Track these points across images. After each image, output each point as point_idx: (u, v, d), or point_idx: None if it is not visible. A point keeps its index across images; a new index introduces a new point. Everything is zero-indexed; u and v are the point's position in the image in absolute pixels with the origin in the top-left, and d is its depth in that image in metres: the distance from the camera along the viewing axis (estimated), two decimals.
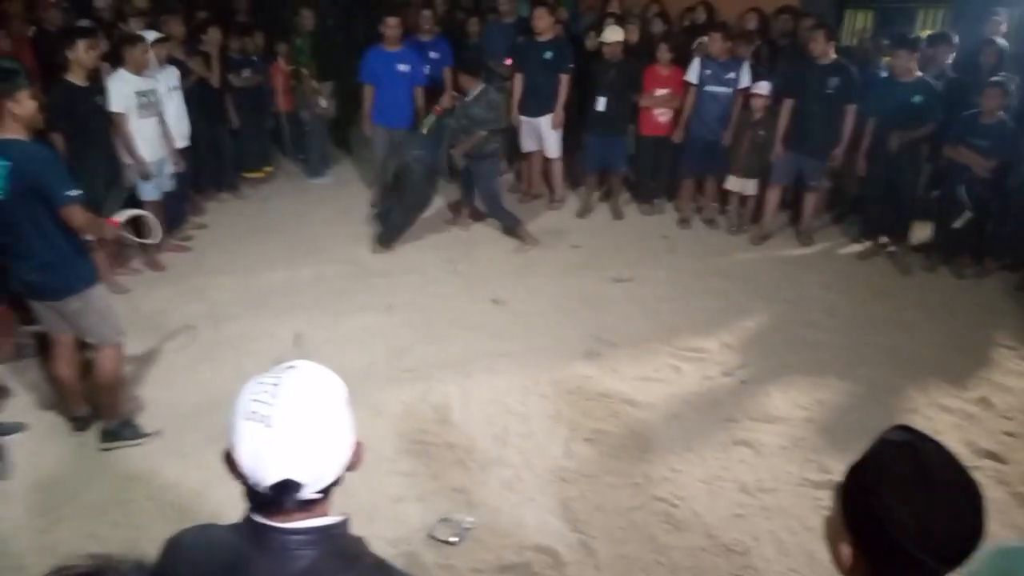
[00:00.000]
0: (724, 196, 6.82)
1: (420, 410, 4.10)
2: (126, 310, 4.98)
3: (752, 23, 6.94)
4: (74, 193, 3.25)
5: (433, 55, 7.24)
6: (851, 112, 5.87)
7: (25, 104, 3.20)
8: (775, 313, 5.24)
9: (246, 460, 1.23)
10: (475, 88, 6.00)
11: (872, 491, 1.18)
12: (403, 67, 6.71)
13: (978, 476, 1.19)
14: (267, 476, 1.21)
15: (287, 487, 1.21)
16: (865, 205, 6.25)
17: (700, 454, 3.77)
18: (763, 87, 6.16)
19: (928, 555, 1.13)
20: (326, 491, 1.28)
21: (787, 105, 6.06)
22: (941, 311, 5.24)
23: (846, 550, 1.24)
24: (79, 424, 3.87)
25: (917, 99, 5.55)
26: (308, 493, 1.23)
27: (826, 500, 3.45)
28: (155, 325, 4.92)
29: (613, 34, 6.44)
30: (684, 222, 6.80)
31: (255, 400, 1.24)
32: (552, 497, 3.49)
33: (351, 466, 1.33)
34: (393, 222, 6.23)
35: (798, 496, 3.49)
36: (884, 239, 6.14)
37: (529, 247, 6.25)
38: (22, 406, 4.08)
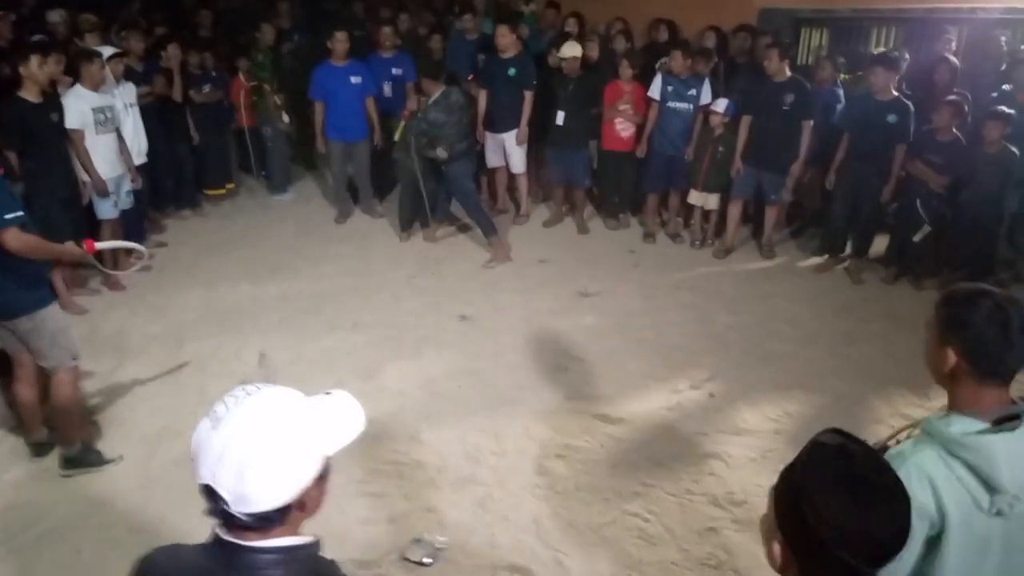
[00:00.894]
0: (687, 210, 6.91)
1: (390, 430, 4.05)
2: (85, 331, 4.87)
3: (710, 41, 7.07)
4: (10, 216, 3.13)
5: (396, 71, 7.25)
6: (807, 128, 6.00)
7: None
8: (741, 326, 5.31)
9: (192, 451, 1.24)
10: (435, 91, 6.02)
11: (801, 491, 1.21)
12: (355, 79, 6.74)
13: None
14: (199, 474, 1.22)
15: (209, 493, 1.21)
16: (827, 219, 6.38)
17: (671, 468, 3.79)
18: (721, 104, 6.28)
19: (851, 554, 1.16)
20: (269, 519, 1.22)
21: (745, 121, 6.18)
22: (903, 322, 5.36)
23: (777, 548, 1.27)
24: (39, 449, 3.75)
25: (891, 118, 5.63)
26: (233, 510, 1.20)
27: None
28: (115, 346, 4.81)
29: (570, 49, 6.54)
30: (649, 236, 6.86)
31: (223, 401, 1.24)
32: (525, 515, 3.47)
33: (301, 506, 1.27)
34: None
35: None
36: (845, 253, 6.27)
37: (498, 261, 6.24)
38: None
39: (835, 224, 6.25)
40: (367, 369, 4.63)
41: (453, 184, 6.35)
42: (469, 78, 7.10)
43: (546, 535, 3.34)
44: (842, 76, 6.60)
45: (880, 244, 6.27)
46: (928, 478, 1.51)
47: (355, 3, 9.77)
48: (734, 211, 6.51)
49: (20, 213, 3.18)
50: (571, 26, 7.56)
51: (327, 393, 1.31)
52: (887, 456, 1.54)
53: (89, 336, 4.83)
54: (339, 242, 6.67)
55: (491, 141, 6.90)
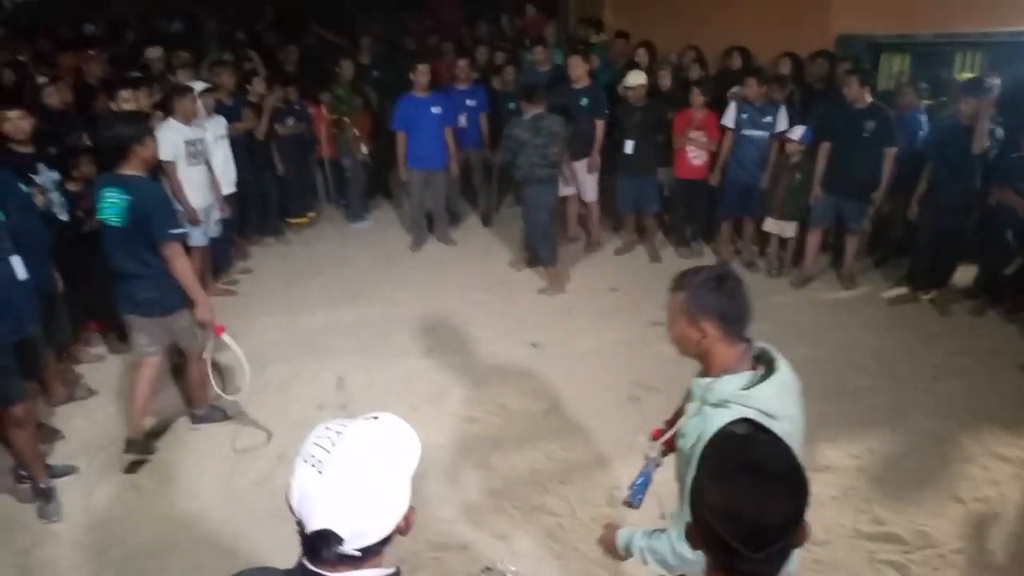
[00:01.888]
0: (763, 239, 6.80)
1: (461, 456, 4.09)
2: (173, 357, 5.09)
3: (786, 67, 6.98)
4: (176, 231, 3.76)
5: (470, 102, 7.42)
6: (889, 155, 5.84)
7: (149, 147, 3.80)
8: (820, 358, 5.15)
9: (294, 502, 1.25)
10: (529, 112, 6.01)
11: (701, 474, 1.28)
12: (436, 109, 6.91)
13: None
14: (310, 522, 1.23)
15: (326, 537, 1.22)
16: (912, 248, 6.16)
17: None
18: (798, 132, 6.17)
19: (732, 537, 1.18)
20: (374, 550, 1.27)
21: (824, 148, 6.06)
22: (992, 356, 5.12)
23: (692, 530, 1.31)
24: (133, 447, 3.97)
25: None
26: (348, 548, 1.23)
27: (881, 552, 3.37)
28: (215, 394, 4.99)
29: (635, 78, 6.58)
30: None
31: (316, 444, 1.26)
32: (596, 547, 3.42)
33: (400, 530, 1.32)
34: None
35: (852, 548, 3.40)
36: (928, 285, 6.04)
37: (552, 291, 6.28)
38: (73, 449, 4.16)
39: (919, 253, 6.02)
40: (439, 394, 4.70)
41: (526, 207, 6.39)
42: None
43: (618, 568, 3.29)
44: (925, 102, 6.40)
45: (969, 274, 6.01)
46: None
47: (431, 37, 10.08)
48: (813, 240, 6.36)
49: (184, 231, 3.83)
50: (640, 56, 7.59)
51: (375, 417, 1.34)
52: (682, 432, 1.95)
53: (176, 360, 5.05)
54: (414, 269, 6.81)
55: (565, 170, 6.95)
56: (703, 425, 1.81)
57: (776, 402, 1.83)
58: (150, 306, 3.89)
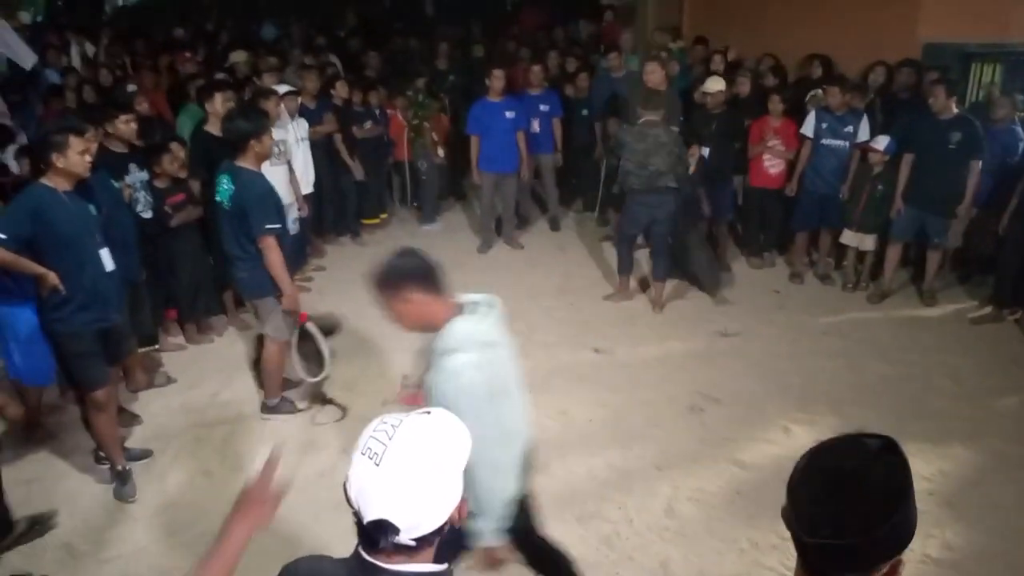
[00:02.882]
0: (840, 251, 6.59)
1: None
2: (246, 349, 5.29)
3: (880, 76, 6.75)
4: (271, 226, 4.01)
5: (543, 108, 7.46)
6: (975, 168, 5.59)
7: (265, 143, 4.09)
8: (895, 376, 4.98)
9: (352, 493, 1.29)
10: (640, 118, 5.78)
11: (793, 473, 1.31)
12: (510, 114, 6.99)
13: None
14: (367, 512, 1.27)
15: (383, 527, 1.26)
16: (998, 266, 5.88)
17: None
18: (881, 142, 5.97)
19: (795, 526, 1.24)
20: (427, 540, 1.31)
21: (907, 160, 5.85)
22: None
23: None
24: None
25: None
26: (404, 538, 1.27)
27: None
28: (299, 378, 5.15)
29: (715, 84, 6.48)
30: (796, 276, 6.59)
31: (373, 437, 1.30)
32: (652, 557, 3.41)
33: (453, 521, 1.35)
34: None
35: (919, 573, 3.27)
36: (1014, 305, 5.75)
37: (619, 298, 6.22)
38: (150, 434, 4.37)
39: (1006, 271, 5.74)
40: None
41: (620, 217, 6.25)
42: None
43: None
44: (1020, 114, 6.10)
45: None
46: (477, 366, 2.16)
47: (507, 42, 10.16)
48: (893, 254, 6.14)
49: (278, 225, 4.08)
50: (717, 63, 7.48)
51: (427, 412, 1.37)
52: (434, 383, 2.19)
53: (250, 353, 5.24)
54: (480, 271, 6.87)
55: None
56: (436, 376, 2.16)
57: (495, 331, 2.28)
58: (242, 287, 4.33)
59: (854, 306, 6.12)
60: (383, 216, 8.10)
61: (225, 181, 4.07)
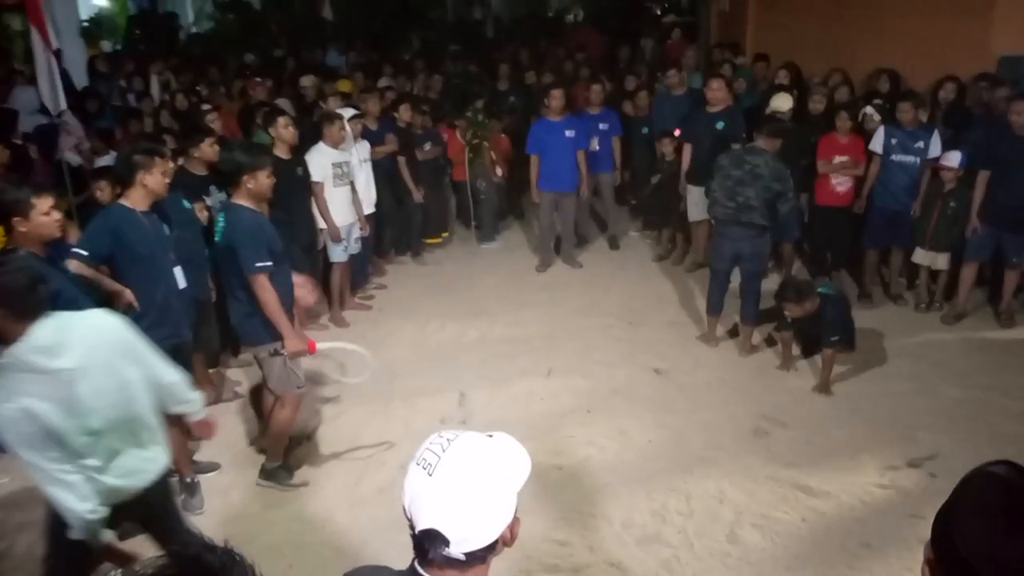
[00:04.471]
0: (912, 271, 6.37)
1: (579, 479, 4.07)
2: (311, 362, 5.39)
3: (951, 93, 6.54)
4: (261, 264, 3.62)
5: (602, 126, 7.46)
6: None
7: (261, 181, 3.75)
8: (972, 401, 4.76)
9: (406, 502, 1.32)
10: (757, 142, 5.40)
11: (952, 513, 1.23)
12: (569, 133, 6.99)
13: None
14: (419, 521, 1.29)
15: (432, 536, 1.27)
16: None
17: (881, 552, 3.46)
18: (954, 158, 5.77)
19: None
20: (478, 556, 1.31)
21: (983, 177, 5.62)
22: None
23: (927, 569, 1.28)
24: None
25: None
26: (454, 551, 1.28)
27: None
28: (336, 380, 5.25)
29: (783, 102, 6.35)
30: (866, 297, 6.38)
31: (429, 449, 1.33)
32: None
33: (505, 541, 1.35)
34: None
35: None
36: None
37: (706, 342, 5.68)
38: (217, 448, 4.47)
39: None
40: (559, 415, 4.70)
41: (747, 257, 5.44)
42: (675, 133, 7.12)
43: None
44: None
45: None
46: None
47: (563, 62, 10.22)
48: (968, 273, 5.90)
49: (269, 264, 3.66)
50: (782, 78, 7.36)
51: (490, 435, 1.38)
52: None
53: (313, 368, 5.34)
54: (539, 290, 6.87)
55: (695, 194, 6.82)
56: None
57: (54, 337, 2.38)
58: (240, 333, 3.99)
59: (927, 327, 5.88)
60: (444, 235, 8.19)
61: (221, 219, 3.87)
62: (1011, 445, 4.25)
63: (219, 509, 3.93)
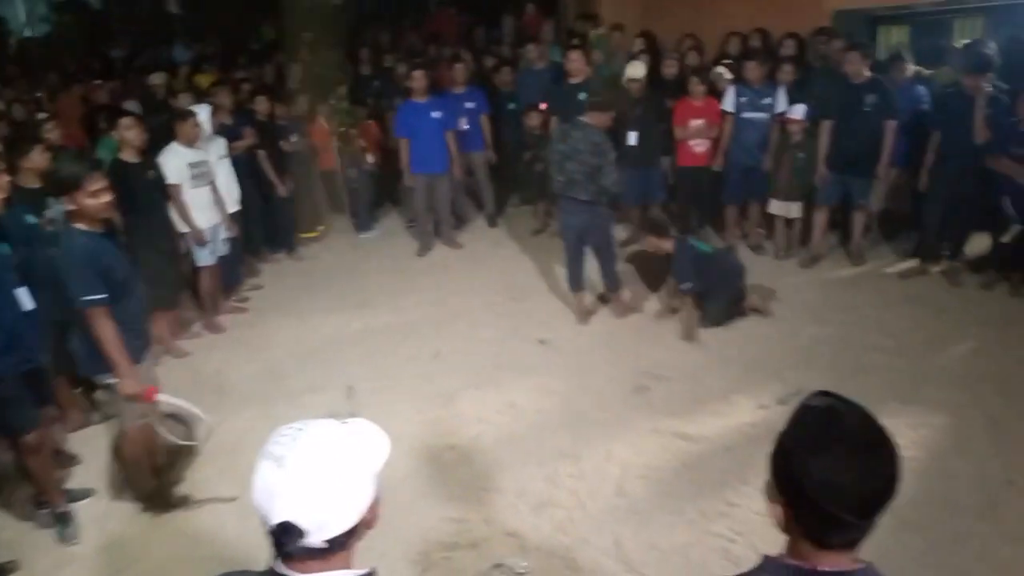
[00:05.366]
0: (769, 221, 6.75)
1: (470, 456, 4.11)
2: (186, 373, 5.18)
3: (790, 48, 6.91)
4: (90, 297, 3.23)
5: (469, 105, 7.45)
6: (890, 128, 5.77)
7: (98, 196, 3.25)
8: (830, 336, 5.12)
9: (256, 497, 1.27)
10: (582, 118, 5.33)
11: (790, 452, 1.29)
12: (436, 114, 6.95)
13: None
14: (272, 515, 1.25)
15: (287, 529, 1.24)
16: (920, 221, 6.08)
17: (757, 487, 3.67)
18: (799, 111, 6.13)
19: (841, 509, 1.22)
20: (339, 542, 1.29)
21: (825, 126, 6.00)
22: (1003, 328, 5.04)
23: (778, 510, 1.34)
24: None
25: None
26: (313, 540, 1.25)
27: (896, 532, 3.33)
28: (215, 386, 5.07)
29: (636, 70, 6.53)
30: (730, 250, 6.71)
31: (276, 442, 1.29)
32: (606, 537, 3.44)
33: (367, 523, 1.34)
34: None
35: None
36: (940, 257, 5.95)
37: (621, 315, 5.69)
38: (91, 472, 4.23)
39: (928, 226, 5.95)
40: (448, 396, 4.71)
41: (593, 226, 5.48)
42: (541, 107, 7.21)
43: (628, 557, 3.31)
44: (921, 70, 6.30)
45: (984, 245, 5.92)
46: None
47: (417, 43, 10.13)
48: (820, 218, 6.31)
49: (103, 296, 3.25)
50: (637, 46, 7.57)
51: (345, 421, 1.37)
52: None
53: (191, 377, 5.13)
54: (421, 275, 6.85)
55: None
56: None
57: None
58: (77, 361, 3.55)
59: (787, 272, 6.27)
60: (320, 229, 8.00)
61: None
62: (869, 375, 4.60)
63: (97, 536, 3.71)
